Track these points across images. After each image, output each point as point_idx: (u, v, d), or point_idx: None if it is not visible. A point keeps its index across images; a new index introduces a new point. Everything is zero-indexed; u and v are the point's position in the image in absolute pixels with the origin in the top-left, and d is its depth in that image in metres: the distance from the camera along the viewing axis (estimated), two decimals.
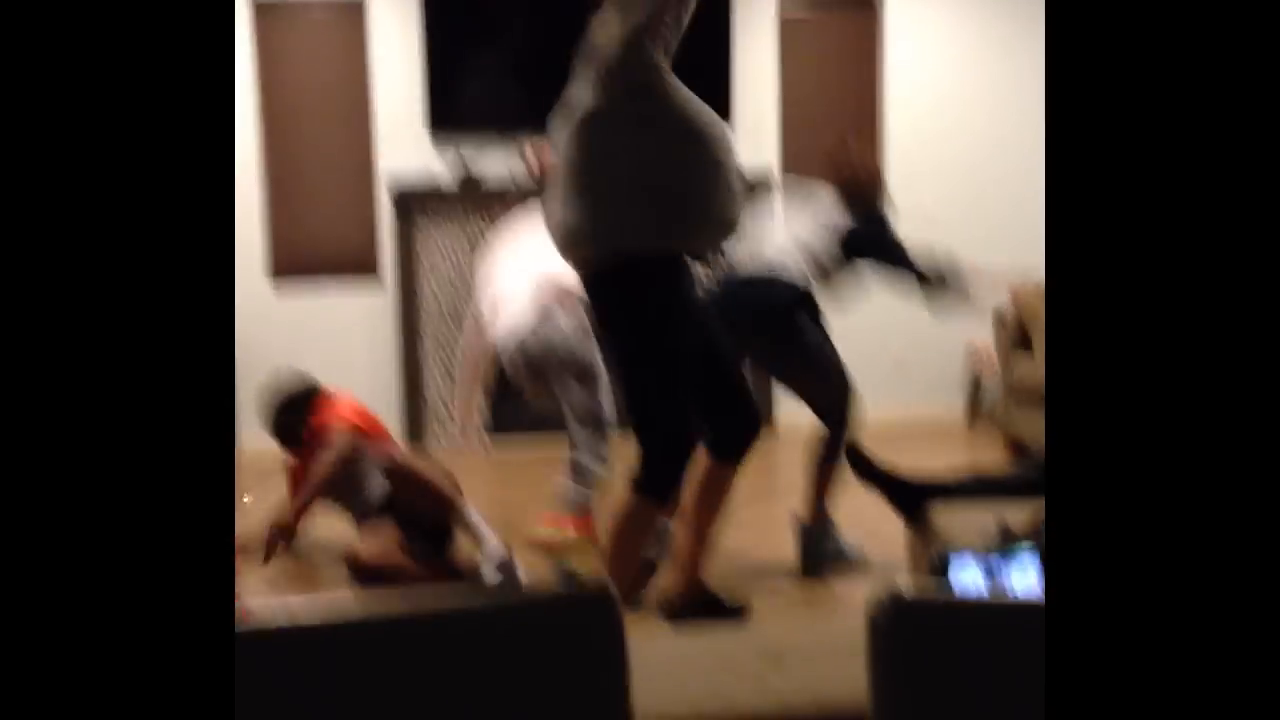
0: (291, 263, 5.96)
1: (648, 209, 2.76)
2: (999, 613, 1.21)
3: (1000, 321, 5.49)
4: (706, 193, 2.78)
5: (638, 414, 2.91)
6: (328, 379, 5.87)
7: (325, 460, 3.77)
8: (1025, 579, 1.80)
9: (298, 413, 4.02)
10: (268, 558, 3.60)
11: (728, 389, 3.05)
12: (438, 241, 5.82)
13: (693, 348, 2.95)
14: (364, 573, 3.62)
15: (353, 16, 5.84)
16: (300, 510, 3.71)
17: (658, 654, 1.91)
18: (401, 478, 3.78)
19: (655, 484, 2.89)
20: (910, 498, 2.95)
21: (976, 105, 6.25)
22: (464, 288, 5.83)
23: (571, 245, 2.83)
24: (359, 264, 5.96)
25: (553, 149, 2.90)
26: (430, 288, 5.85)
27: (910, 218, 6.26)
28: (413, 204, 5.77)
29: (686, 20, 2.80)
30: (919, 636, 1.18)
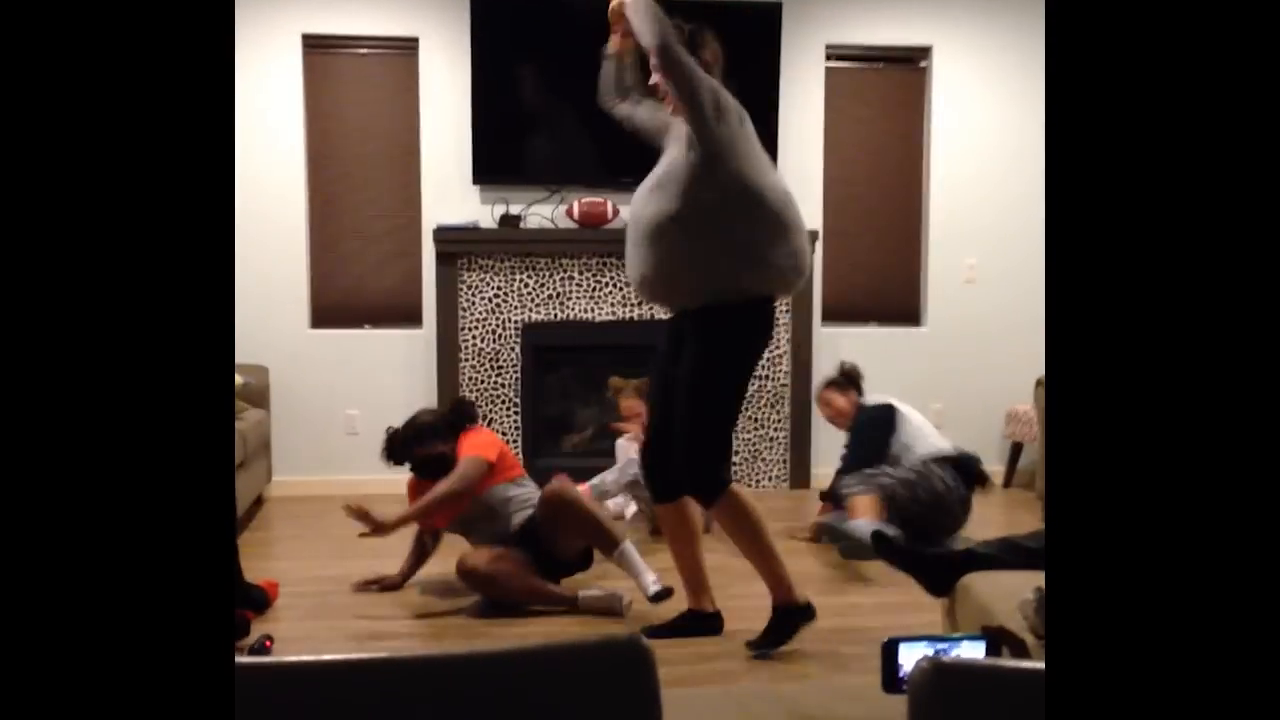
0: (333, 314, 6.03)
1: (722, 259, 3.21)
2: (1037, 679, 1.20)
3: (1042, 387, 5.46)
4: (769, 243, 3.23)
5: (701, 426, 3.31)
6: (365, 415, 5.94)
7: (450, 481, 3.81)
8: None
9: (441, 440, 3.99)
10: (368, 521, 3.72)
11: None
12: (478, 286, 5.86)
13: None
14: (475, 579, 3.73)
15: (406, 56, 5.93)
16: (405, 519, 3.78)
17: (689, 703, 1.90)
18: (562, 506, 3.83)
19: (708, 488, 3.34)
20: (939, 576, 2.91)
21: (1021, 160, 6.24)
22: (501, 331, 5.88)
23: (661, 288, 3.32)
24: (403, 315, 6.05)
25: (634, 204, 3.35)
26: (469, 331, 5.88)
27: (953, 273, 6.28)
28: (457, 252, 5.83)
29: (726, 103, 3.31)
30: (959, 701, 1.18)
